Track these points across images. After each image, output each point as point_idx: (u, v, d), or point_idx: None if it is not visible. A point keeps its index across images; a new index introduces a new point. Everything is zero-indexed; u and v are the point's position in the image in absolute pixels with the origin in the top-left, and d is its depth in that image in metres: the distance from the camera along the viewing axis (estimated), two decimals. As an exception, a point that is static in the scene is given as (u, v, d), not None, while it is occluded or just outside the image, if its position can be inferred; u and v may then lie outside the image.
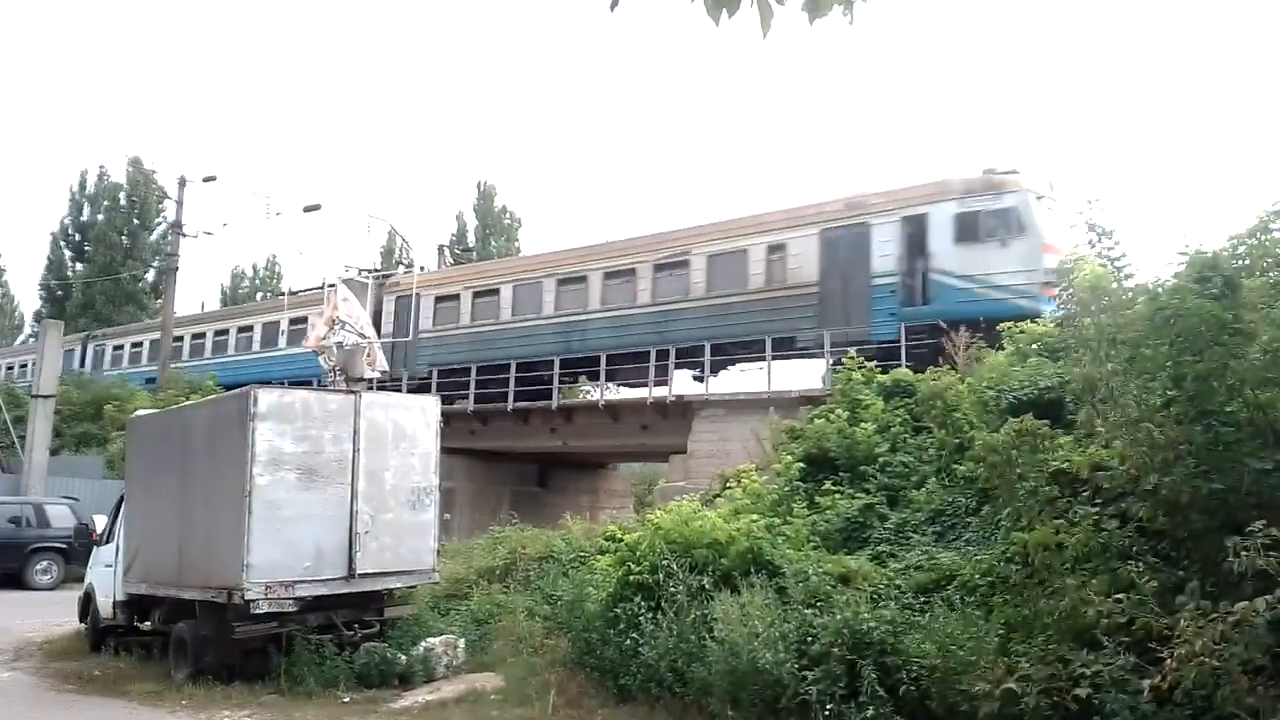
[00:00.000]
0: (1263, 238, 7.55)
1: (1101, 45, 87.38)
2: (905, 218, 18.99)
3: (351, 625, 10.82)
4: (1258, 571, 5.81)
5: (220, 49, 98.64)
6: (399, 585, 11.41)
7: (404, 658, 10.44)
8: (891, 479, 10.23)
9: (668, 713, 8.27)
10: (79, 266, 59.21)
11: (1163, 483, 6.86)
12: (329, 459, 10.76)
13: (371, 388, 12.27)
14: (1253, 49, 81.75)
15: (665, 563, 9.07)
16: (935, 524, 9.30)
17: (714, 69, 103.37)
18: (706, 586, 8.72)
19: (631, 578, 9.25)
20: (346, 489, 10.81)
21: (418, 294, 28.64)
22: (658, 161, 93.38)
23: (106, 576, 13.20)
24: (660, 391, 23.38)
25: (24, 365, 43.24)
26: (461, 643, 10.80)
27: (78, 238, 59.74)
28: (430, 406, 12.19)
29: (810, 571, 8.51)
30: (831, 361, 18.46)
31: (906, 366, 13.74)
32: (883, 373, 12.45)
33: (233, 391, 12.38)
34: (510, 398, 25.56)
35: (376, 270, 32.61)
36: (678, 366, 23.00)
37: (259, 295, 59.79)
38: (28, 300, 66.61)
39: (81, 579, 15.00)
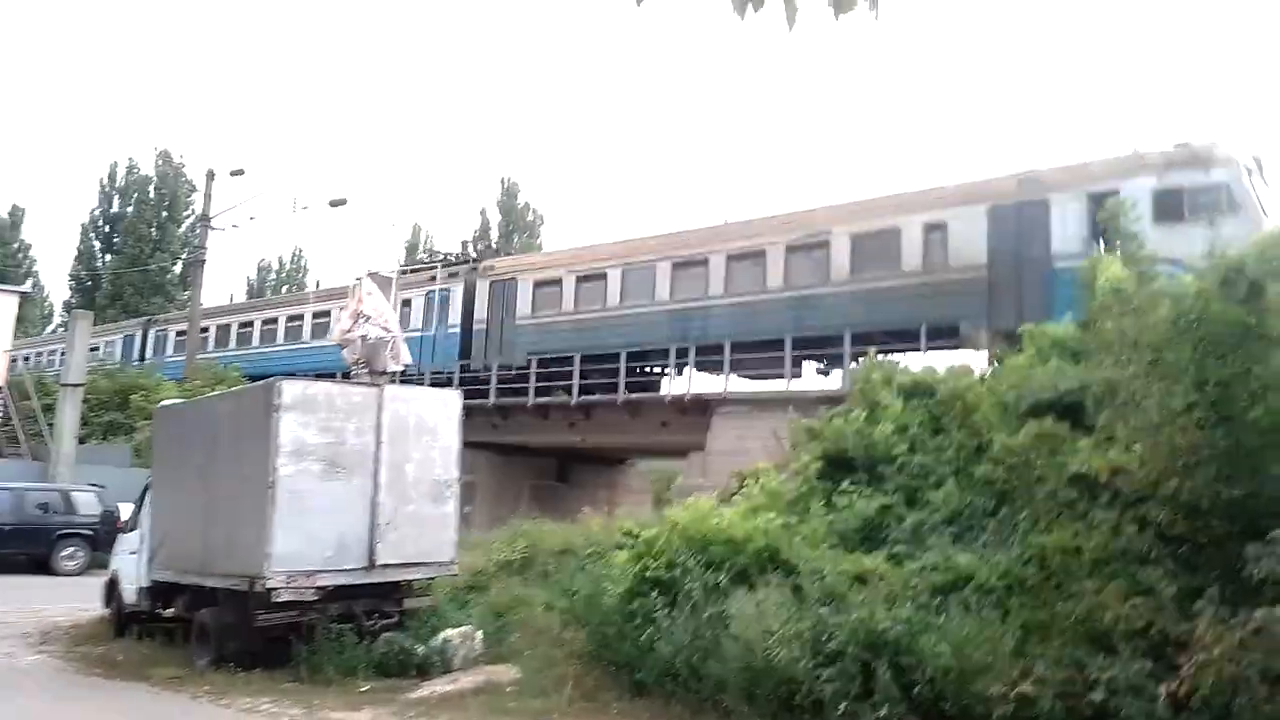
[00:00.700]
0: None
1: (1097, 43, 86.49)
2: (1092, 194, 16.92)
3: (371, 615, 10.94)
4: (1278, 578, 5.79)
5: (248, 44, 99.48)
6: (419, 577, 11.52)
7: (422, 648, 10.54)
8: (909, 480, 10.17)
9: (683, 708, 8.32)
10: (108, 258, 59.94)
11: (1183, 488, 6.83)
12: (352, 450, 10.88)
13: (394, 381, 12.34)
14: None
15: (682, 559, 9.11)
16: (953, 525, 9.25)
17: (740, 63, 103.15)
18: (723, 584, 8.74)
19: (648, 573, 9.29)
20: (369, 480, 10.92)
21: (515, 279, 27.52)
22: (679, 158, 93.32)
23: (131, 563, 13.40)
24: (679, 389, 23.43)
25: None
26: (479, 635, 10.88)
27: (107, 229, 60.56)
28: (452, 400, 12.29)
29: (826, 570, 8.50)
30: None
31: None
32: (901, 372, 12.38)
33: (258, 383, 12.52)
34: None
35: (464, 256, 31.61)
36: (805, 358, 21.93)
37: (284, 288, 60.29)
38: (57, 290, 67.31)
39: (106, 565, 15.21)
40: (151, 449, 16.18)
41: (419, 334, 28.12)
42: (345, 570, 10.66)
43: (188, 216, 56.86)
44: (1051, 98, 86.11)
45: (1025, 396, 9.66)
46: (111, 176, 61.01)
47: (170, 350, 39.47)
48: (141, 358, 40.27)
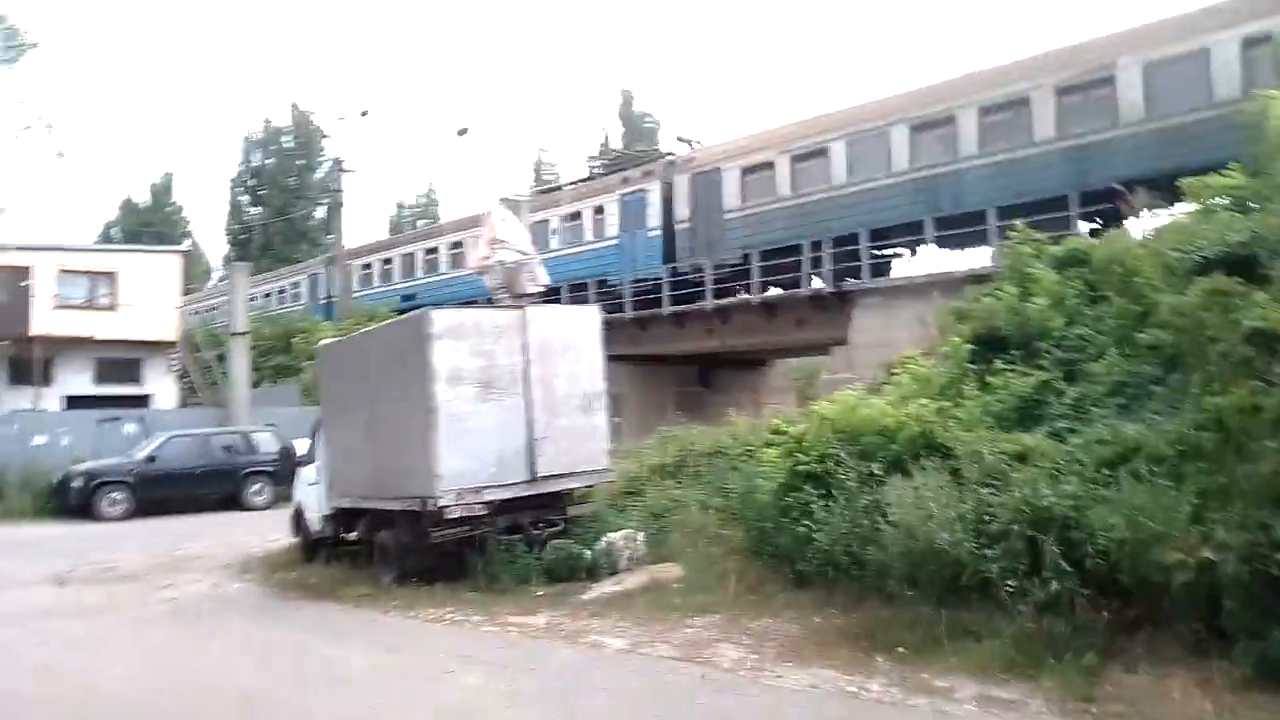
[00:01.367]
0: None
1: None
2: None
3: (538, 525, 11.40)
4: None
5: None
6: (578, 485, 11.90)
7: (588, 553, 10.95)
8: (1068, 353, 9.75)
9: (846, 595, 8.40)
10: (256, 210, 62.94)
11: (1371, 335, 6.35)
12: (503, 371, 11.23)
13: (535, 302, 12.61)
14: None
15: (833, 451, 9.09)
16: (1118, 396, 8.85)
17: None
18: (877, 472, 8.70)
19: (800, 467, 9.32)
20: (521, 398, 11.28)
21: (719, 169, 25.45)
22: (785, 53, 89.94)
23: (313, 494, 14.30)
24: (816, 284, 23.02)
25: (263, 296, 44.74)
26: (641, 536, 11.21)
27: (253, 183, 63.43)
28: (592, 316, 12.52)
29: (985, 451, 8.32)
30: None
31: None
32: (1054, 243, 11.80)
33: (409, 314, 12.99)
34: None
35: (656, 151, 30.49)
36: (1088, 215, 18.60)
37: (419, 223, 61.99)
38: (212, 247, 71.23)
39: (290, 497, 16.27)
40: (317, 387, 17.06)
41: (615, 242, 27.93)
42: (509, 484, 11.11)
43: (323, 162, 58.91)
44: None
45: (1191, 254, 9.07)
46: (250, 133, 63.73)
47: (358, 285, 39.10)
48: (329, 295, 39.94)
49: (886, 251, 23.31)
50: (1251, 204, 8.81)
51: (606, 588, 10.16)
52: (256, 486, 22.88)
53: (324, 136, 55.75)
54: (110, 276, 29.66)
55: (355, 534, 13.41)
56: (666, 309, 26.44)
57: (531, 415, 11.30)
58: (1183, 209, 10.50)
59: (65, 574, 13.68)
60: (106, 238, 60.99)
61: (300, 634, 10.02)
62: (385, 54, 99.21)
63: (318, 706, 7.28)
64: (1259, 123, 7.71)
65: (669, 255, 26.48)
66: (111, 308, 29.14)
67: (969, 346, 10.49)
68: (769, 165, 24.32)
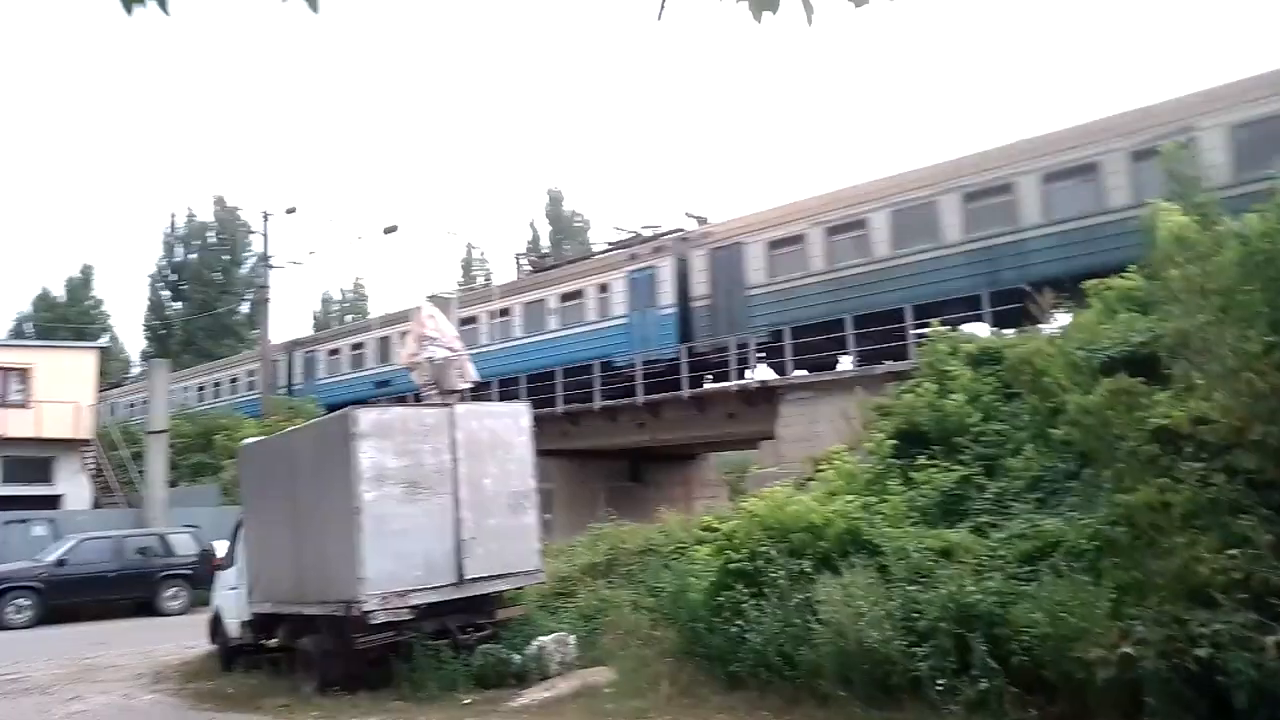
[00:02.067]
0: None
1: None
2: None
3: (465, 629, 11.15)
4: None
5: (286, 85, 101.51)
6: (507, 587, 11.71)
7: (518, 657, 10.72)
8: (986, 449, 10.08)
9: (779, 696, 8.35)
10: (178, 305, 61.86)
11: (1270, 432, 6.68)
12: (430, 471, 11.10)
13: (464, 399, 12.57)
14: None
15: (764, 549, 9.15)
16: (1035, 491, 9.15)
17: (760, 50, 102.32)
18: (807, 570, 8.76)
19: (732, 565, 9.35)
20: (449, 498, 11.13)
21: (741, 243, 24.21)
22: (715, 148, 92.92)
23: (231, 598, 13.83)
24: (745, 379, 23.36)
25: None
26: (572, 639, 11.03)
27: (174, 277, 62.50)
28: (522, 413, 12.48)
29: (910, 548, 8.48)
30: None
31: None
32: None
33: (333, 414, 12.83)
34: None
35: (659, 229, 28.70)
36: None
37: (348, 318, 61.54)
38: (132, 342, 69.56)
39: (208, 602, 15.70)
40: (239, 487, 16.67)
41: (623, 321, 26.53)
42: (436, 587, 10.88)
43: (248, 258, 58.42)
44: (1058, 69, 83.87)
45: (1096, 354, 9.51)
46: (172, 226, 63.12)
47: (324, 372, 37.58)
48: (289, 384, 38.61)
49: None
50: (1148, 306, 9.30)
51: (537, 694, 9.93)
52: (173, 591, 21.97)
53: (250, 232, 55.49)
54: (23, 372, 28.84)
55: (276, 640, 12.95)
56: (598, 403, 26.45)
57: (459, 515, 11.14)
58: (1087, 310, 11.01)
59: (-38, 689, 12.92)
60: (19, 333, 59.20)
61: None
62: (312, 150, 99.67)
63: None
64: (1152, 231, 8.18)
65: (685, 334, 25.13)
66: (23, 404, 28.20)
67: (891, 442, 10.75)
68: (799, 239, 23.03)
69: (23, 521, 24.24)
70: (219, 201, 60.83)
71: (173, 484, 27.77)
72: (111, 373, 59.85)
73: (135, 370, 62.20)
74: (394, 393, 29.82)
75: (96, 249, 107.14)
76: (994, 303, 18.94)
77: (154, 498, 25.90)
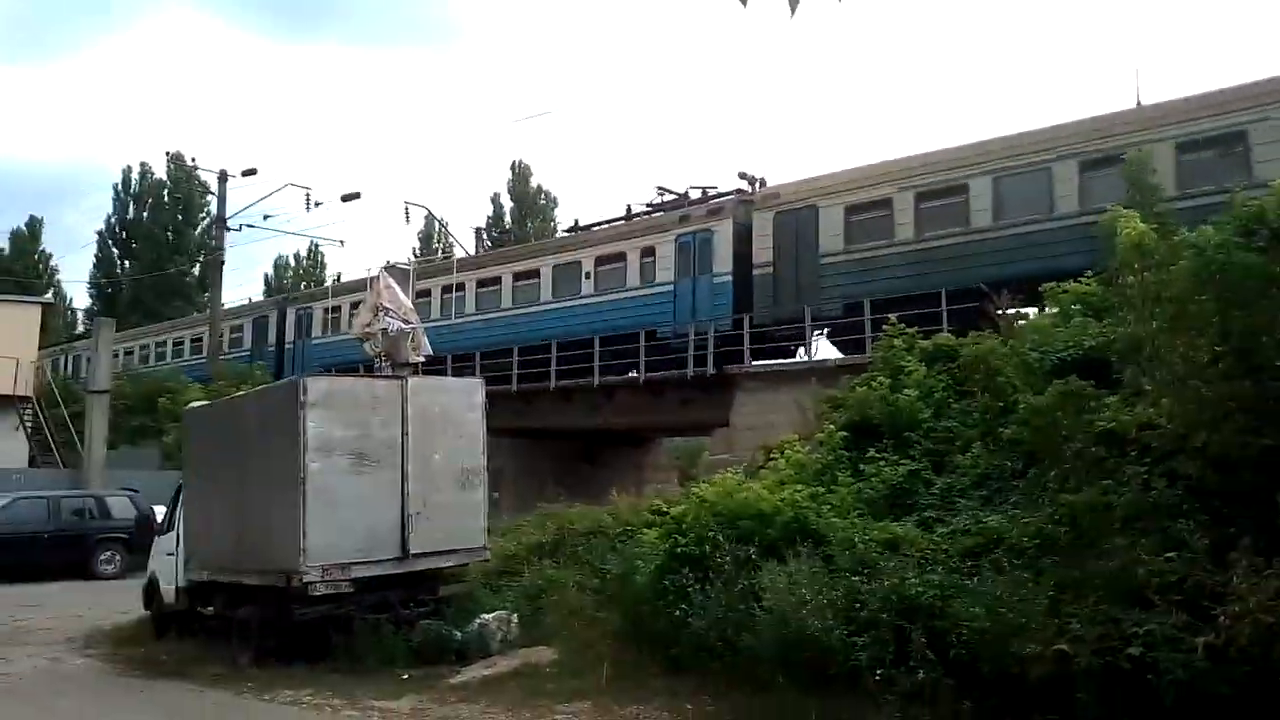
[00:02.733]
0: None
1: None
2: None
3: (407, 604, 11.06)
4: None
5: (252, 43, 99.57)
6: (452, 564, 11.63)
7: (460, 634, 10.66)
8: (936, 445, 10.17)
9: (719, 681, 8.37)
10: (127, 263, 60.47)
11: (1212, 440, 6.81)
12: (379, 443, 10.97)
13: (417, 372, 12.43)
14: None
15: (711, 534, 9.16)
16: (981, 488, 9.25)
17: (738, 33, 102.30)
18: (753, 557, 8.79)
19: (679, 550, 9.34)
20: (397, 472, 11.01)
21: (815, 206, 21.83)
22: (688, 126, 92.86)
23: (168, 564, 13.59)
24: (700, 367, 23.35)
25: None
26: (515, 618, 10.99)
27: (124, 235, 61.06)
28: (475, 389, 12.38)
29: (856, 539, 8.53)
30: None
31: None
32: (924, 338, 12.37)
33: (282, 381, 12.63)
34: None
35: (713, 190, 26.19)
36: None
37: (303, 285, 60.61)
38: (80, 299, 67.98)
39: (144, 568, 15.42)
40: (182, 452, 16.36)
41: (669, 287, 24.29)
42: (379, 561, 10.78)
43: (203, 219, 57.20)
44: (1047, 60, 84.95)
45: (1049, 356, 9.64)
46: (125, 183, 61.51)
47: (320, 331, 34.06)
48: (279, 343, 35.47)
49: None
50: (1103, 312, 9.43)
51: (477, 671, 9.88)
52: (107, 554, 21.48)
53: (206, 192, 54.38)
54: (-39, 325, 27.94)
55: (212, 609, 12.75)
56: (553, 383, 26.29)
57: (406, 489, 11.03)
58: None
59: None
60: (-41, 284, 57.52)
61: (141, 717, 9.40)
62: (275, 115, 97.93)
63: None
64: (1111, 237, 8.28)
65: (742, 303, 22.88)
66: (-40, 358, 27.39)
67: (843, 434, 10.82)
68: (884, 203, 20.78)
69: (-46, 478, 23.58)
70: (175, 159, 59.24)
71: (113, 446, 27.21)
72: (55, 329, 58.53)
73: (80, 328, 60.85)
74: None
75: (47, 201, 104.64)
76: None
77: (93, 459, 25.38)
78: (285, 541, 10.53)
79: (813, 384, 16.03)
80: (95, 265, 61.77)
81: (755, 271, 22.84)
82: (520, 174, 60.34)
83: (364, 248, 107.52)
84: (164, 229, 59.50)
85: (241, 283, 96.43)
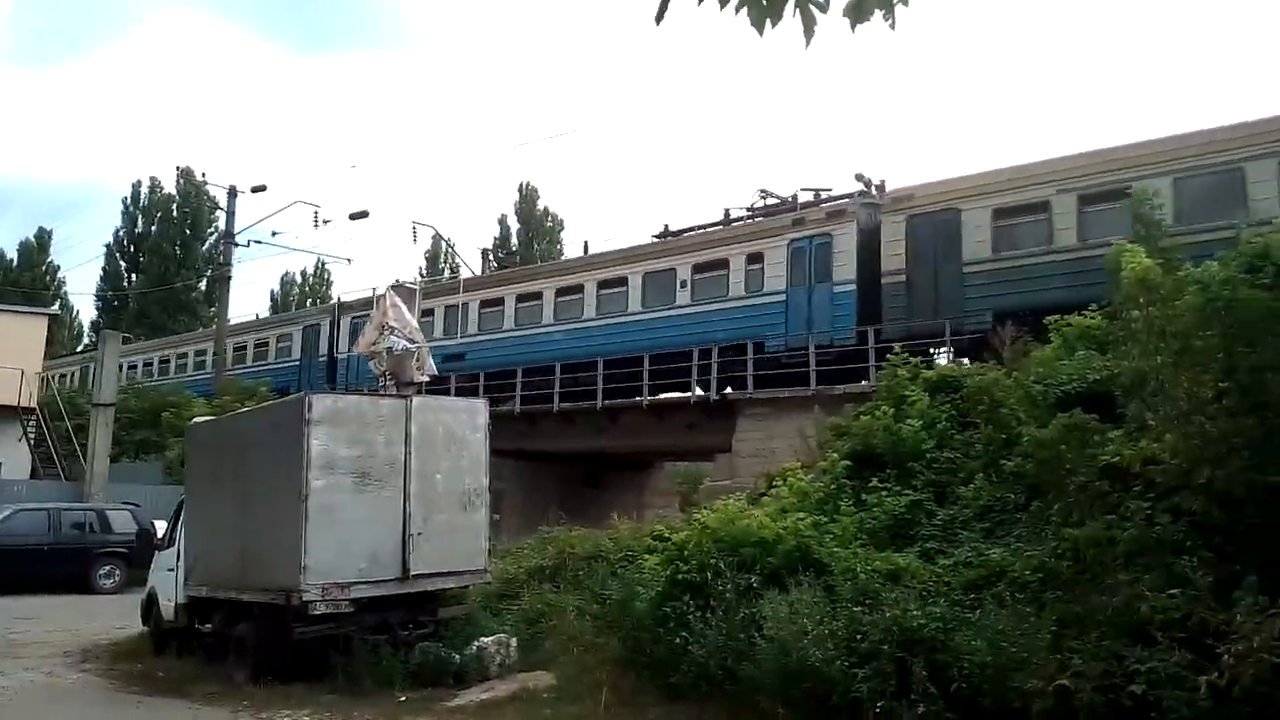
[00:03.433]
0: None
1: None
2: None
3: (406, 625, 11.02)
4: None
5: (266, 61, 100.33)
6: (452, 585, 11.59)
7: (458, 657, 10.60)
8: (938, 475, 10.15)
9: (719, 710, 8.31)
10: (134, 277, 60.66)
11: (1216, 476, 6.79)
12: (382, 462, 10.97)
13: (421, 392, 12.44)
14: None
15: (713, 561, 9.11)
16: (984, 520, 9.23)
17: (754, 64, 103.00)
18: (755, 585, 8.75)
19: (680, 576, 9.30)
20: (399, 491, 11.00)
21: (956, 209, 19.89)
22: (693, 158, 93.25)
23: (168, 580, 13.55)
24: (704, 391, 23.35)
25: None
26: (514, 642, 10.94)
27: (132, 249, 61.32)
28: (480, 409, 12.39)
29: (858, 569, 8.50)
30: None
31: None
32: (928, 369, 12.36)
33: (287, 398, 12.64)
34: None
35: (825, 191, 24.14)
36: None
37: (309, 302, 60.73)
38: (86, 311, 68.15)
39: (144, 583, 15.37)
40: (185, 466, 16.36)
41: (780, 296, 22.43)
42: (379, 581, 10.74)
43: (211, 234, 57.39)
44: (1061, 88, 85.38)
45: (1053, 389, 9.64)
46: (135, 196, 61.87)
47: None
48: (331, 352, 32.97)
49: None
50: (1107, 346, 9.43)
51: (475, 695, 9.82)
52: (107, 568, 21.42)
53: (215, 207, 54.63)
54: (-34, 335, 28.02)
55: (211, 625, 12.71)
56: (556, 405, 26.25)
57: (408, 510, 11.02)
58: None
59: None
60: (-34, 294, 57.68)
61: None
62: (286, 133, 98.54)
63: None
64: (1116, 271, 8.30)
65: (868, 315, 20.97)
66: (-35, 368, 27.45)
67: (846, 463, 10.80)
68: (1040, 207, 18.91)
69: (-45, 489, 23.58)
70: (185, 174, 59.58)
71: (116, 459, 27.19)
72: (61, 341, 58.64)
73: (86, 340, 60.97)
74: (466, 369, 27.32)
75: (56, 213, 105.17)
76: None
77: (95, 472, 25.36)
78: (286, 559, 10.51)
79: (816, 411, 16.02)
80: (102, 278, 61.99)
81: (884, 280, 20.82)
82: (527, 196, 60.55)
83: (371, 266, 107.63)
84: (172, 243, 59.70)
85: (248, 299, 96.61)
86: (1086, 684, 6.27)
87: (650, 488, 31.77)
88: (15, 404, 28.06)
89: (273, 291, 67.67)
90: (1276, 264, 7.15)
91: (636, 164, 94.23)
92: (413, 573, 10.94)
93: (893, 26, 3.53)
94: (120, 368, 35.58)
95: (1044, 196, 18.81)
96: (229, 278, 35.23)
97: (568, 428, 26.76)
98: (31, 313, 33.56)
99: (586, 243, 31.44)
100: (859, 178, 23.72)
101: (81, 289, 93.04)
